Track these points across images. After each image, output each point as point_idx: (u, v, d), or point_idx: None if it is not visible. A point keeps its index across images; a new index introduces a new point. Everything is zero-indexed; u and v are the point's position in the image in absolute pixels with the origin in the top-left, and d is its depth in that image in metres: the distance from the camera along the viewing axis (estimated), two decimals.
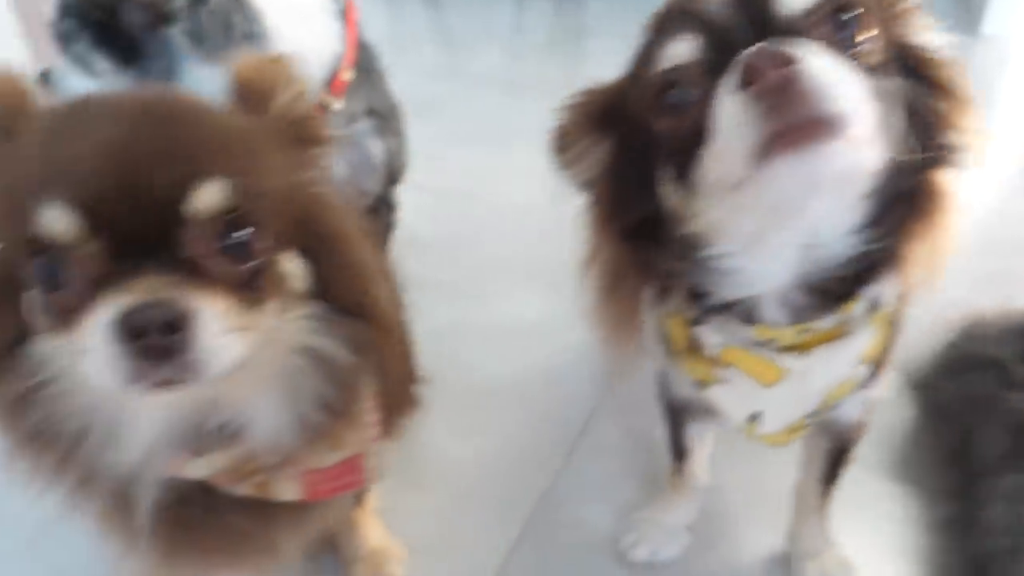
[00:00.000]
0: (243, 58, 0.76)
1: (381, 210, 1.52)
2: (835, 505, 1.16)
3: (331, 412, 0.73)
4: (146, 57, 1.11)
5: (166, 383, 0.60)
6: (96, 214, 0.59)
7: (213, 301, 0.60)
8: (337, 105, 1.28)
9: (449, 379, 1.54)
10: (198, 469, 0.75)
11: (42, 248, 0.60)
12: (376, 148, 1.38)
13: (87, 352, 0.60)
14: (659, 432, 1.39)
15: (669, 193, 0.76)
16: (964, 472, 1.18)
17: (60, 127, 0.66)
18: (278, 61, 0.76)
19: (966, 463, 1.18)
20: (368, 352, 0.75)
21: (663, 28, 0.73)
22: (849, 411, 0.96)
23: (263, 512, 0.82)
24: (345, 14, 1.32)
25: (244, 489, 0.78)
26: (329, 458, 0.80)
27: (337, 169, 1.34)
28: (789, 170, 0.62)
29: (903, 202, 0.75)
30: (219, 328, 0.60)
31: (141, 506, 0.74)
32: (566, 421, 1.45)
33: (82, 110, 0.67)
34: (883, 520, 1.25)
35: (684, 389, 0.99)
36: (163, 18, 1.12)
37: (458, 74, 3.20)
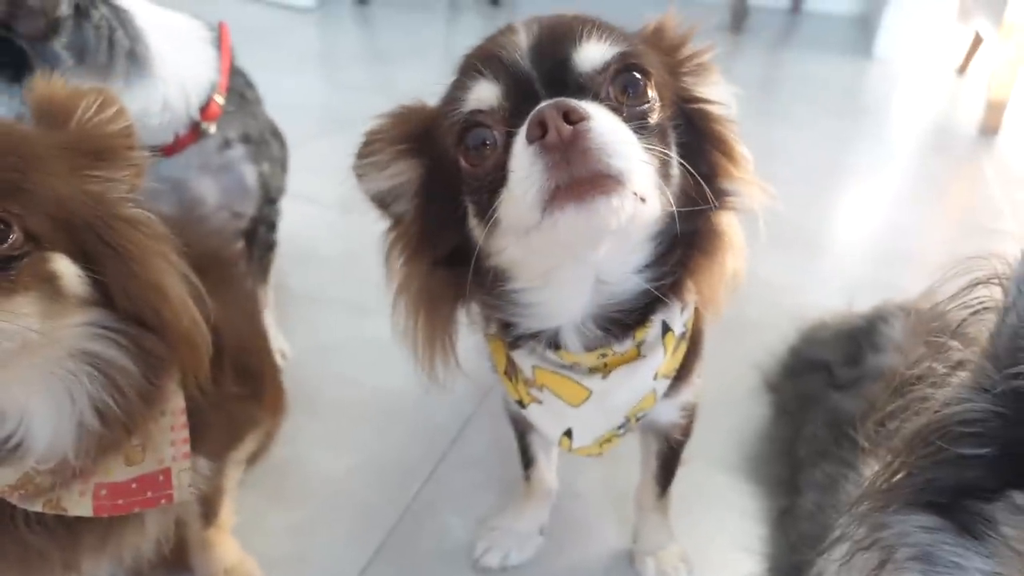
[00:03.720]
0: (43, 80, 0.84)
1: (259, 230, 1.61)
2: (684, 502, 1.30)
3: (112, 422, 0.79)
4: (32, 74, 1.14)
5: None
6: None
7: None
8: (212, 129, 1.37)
9: (332, 394, 1.63)
10: None
11: None
12: (250, 173, 1.47)
13: None
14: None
15: (474, 228, 0.85)
16: (793, 466, 1.32)
17: None
18: (85, 89, 0.83)
19: (795, 457, 1.32)
20: (159, 364, 0.81)
21: (470, 69, 0.82)
22: (666, 416, 1.09)
23: (65, 530, 0.86)
24: (220, 42, 1.41)
25: (38, 506, 0.82)
26: (123, 472, 0.85)
27: (210, 192, 1.42)
28: (572, 220, 0.72)
29: (685, 242, 0.87)
30: None
31: None
32: (440, 433, 1.56)
33: None
34: (729, 514, 1.40)
35: (512, 405, 1.09)
36: (54, 27, 1.16)
37: (385, 90, 3.28)
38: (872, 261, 2.21)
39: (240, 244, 1.57)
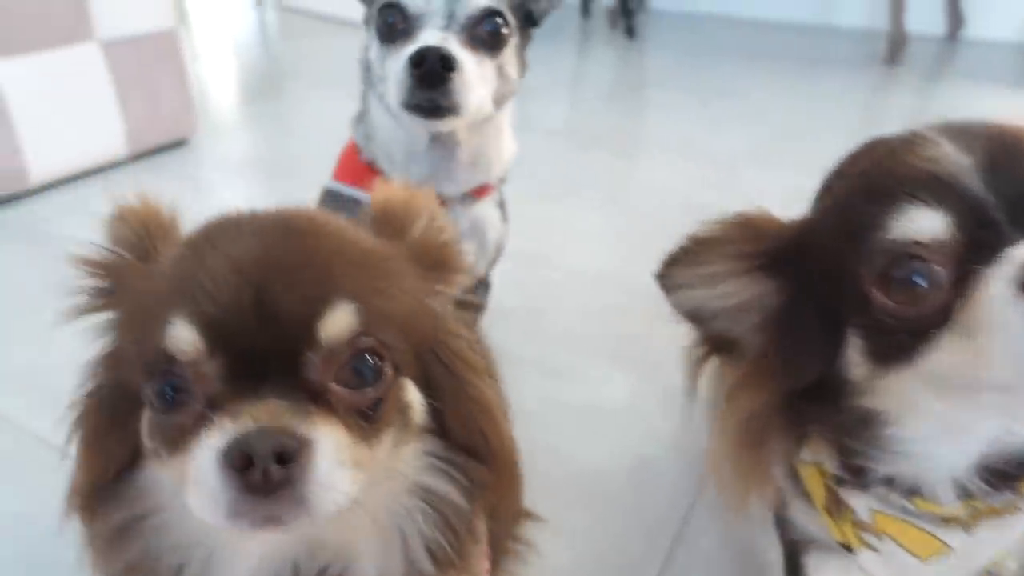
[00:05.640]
0: (381, 187, 0.78)
1: (479, 291, 1.58)
2: None
3: (443, 563, 0.71)
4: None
5: (272, 520, 0.57)
6: (219, 331, 0.58)
7: (332, 431, 0.58)
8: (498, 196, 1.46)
9: (538, 468, 1.53)
10: None
11: (164, 365, 0.59)
12: (495, 233, 1.48)
13: (192, 481, 0.57)
14: (760, 541, 1.37)
15: (855, 364, 0.73)
16: None
17: (196, 243, 0.66)
18: (416, 193, 0.78)
19: None
20: (483, 496, 0.74)
21: (895, 191, 0.69)
22: (1009, 567, 0.94)
23: None
24: None
25: None
26: None
27: (469, 250, 1.40)
28: None
29: None
30: (335, 461, 0.57)
31: None
32: (661, 520, 1.44)
33: (217, 227, 0.68)
34: None
35: (812, 528, 0.97)
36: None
37: (526, 127, 3.24)
38: None
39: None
